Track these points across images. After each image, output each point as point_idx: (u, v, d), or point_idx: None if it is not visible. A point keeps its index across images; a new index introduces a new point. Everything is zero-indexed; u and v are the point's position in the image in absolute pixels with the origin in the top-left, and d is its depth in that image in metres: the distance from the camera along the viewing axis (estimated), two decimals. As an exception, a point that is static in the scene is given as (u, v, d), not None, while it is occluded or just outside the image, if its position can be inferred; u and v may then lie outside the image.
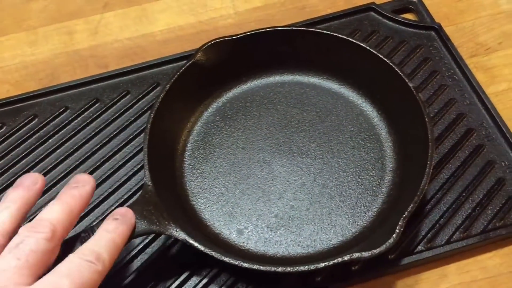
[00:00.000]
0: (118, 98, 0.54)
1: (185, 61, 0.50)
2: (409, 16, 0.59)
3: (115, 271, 0.44)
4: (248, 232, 0.45)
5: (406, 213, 0.40)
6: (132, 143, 0.51)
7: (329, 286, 0.43)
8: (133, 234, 0.40)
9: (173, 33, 0.60)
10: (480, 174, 0.48)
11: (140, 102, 0.54)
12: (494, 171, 0.48)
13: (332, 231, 0.45)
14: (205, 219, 0.46)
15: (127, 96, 0.54)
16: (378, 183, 0.47)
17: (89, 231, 0.39)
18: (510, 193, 0.47)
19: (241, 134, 0.51)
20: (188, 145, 0.50)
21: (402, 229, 0.39)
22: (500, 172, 0.48)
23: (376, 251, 0.38)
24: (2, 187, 0.49)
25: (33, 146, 0.51)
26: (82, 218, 0.47)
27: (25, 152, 0.51)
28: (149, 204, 0.42)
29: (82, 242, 0.38)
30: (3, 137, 0.52)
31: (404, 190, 0.45)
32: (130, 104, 0.54)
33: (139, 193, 0.46)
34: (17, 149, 0.51)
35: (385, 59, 0.49)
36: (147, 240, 0.46)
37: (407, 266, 0.44)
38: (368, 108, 0.51)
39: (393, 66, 0.48)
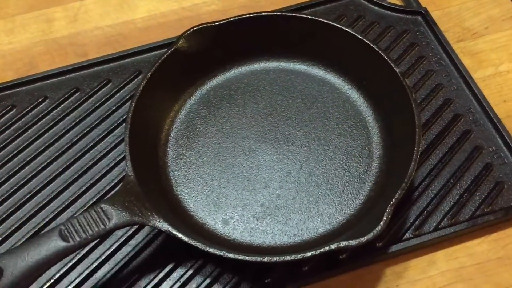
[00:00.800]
0: (98, 87, 0.53)
1: (167, 49, 0.49)
2: (396, 1, 0.58)
3: (98, 264, 0.43)
4: (234, 222, 0.45)
5: (394, 200, 0.39)
6: (113, 133, 0.50)
7: (316, 275, 0.43)
8: (116, 226, 0.38)
9: (155, 20, 0.59)
10: (468, 159, 0.47)
11: (121, 91, 0.52)
12: (481, 156, 0.47)
13: (319, 219, 0.44)
14: (190, 209, 0.45)
15: (108, 85, 0.53)
16: (365, 170, 0.46)
17: (69, 224, 0.38)
18: (498, 178, 0.46)
19: (225, 122, 0.50)
20: (172, 135, 0.49)
21: (389, 217, 0.39)
22: (488, 157, 0.47)
23: (364, 239, 0.38)
24: (-21, 180, 0.48)
25: (12, 137, 0.50)
26: (63, 210, 0.46)
27: (3, 144, 0.49)
28: (130, 194, 0.41)
29: (61, 235, 0.37)
30: (-20, 128, 0.50)
31: (391, 177, 0.45)
32: (111, 93, 0.52)
33: (121, 183, 0.45)
34: (-5, 140, 0.50)
35: (372, 45, 0.48)
36: (130, 232, 0.45)
37: (396, 253, 0.43)
38: (354, 95, 0.50)
39: (380, 51, 0.47)
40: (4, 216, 0.46)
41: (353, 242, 0.38)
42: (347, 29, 0.49)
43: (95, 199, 0.46)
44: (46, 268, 0.37)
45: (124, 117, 0.51)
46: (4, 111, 0.51)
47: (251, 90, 0.51)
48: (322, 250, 0.38)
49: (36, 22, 0.59)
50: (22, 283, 0.36)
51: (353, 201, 0.45)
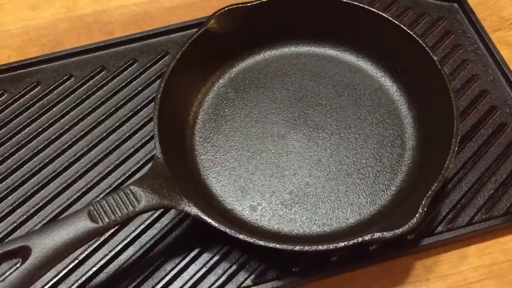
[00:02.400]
0: (124, 66, 0.52)
1: (196, 29, 0.48)
2: (431, -13, 0.56)
3: (123, 246, 0.43)
4: (262, 208, 0.44)
5: (430, 192, 0.38)
6: (140, 114, 0.49)
7: (345, 266, 0.42)
8: (145, 208, 0.38)
9: (182, -1, 0.57)
10: (504, 153, 0.46)
11: (148, 71, 0.51)
12: (518, 150, 0.46)
13: (349, 209, 0.43)
14: (217, 194, 0.44)
15: (134, 65, 0.52)
16: (397, 160, 0.45)
17: (98, 205, 0.37)
18: (534, 173, 0.45)
19: (254, 107, 0.49)
20: (199, 117, 0.48)
21: (425, 209, 0.38)
22: (524, 152, 0.46)
23: (399, 231, 0.37)
24: (4, 157, 0.47)
25: (36, 115, 0.49)
26: (88, 190, 0.45)
27: (28, 121, 0.49)
28: (159, 177, 0.40)
29: (90, 216, 0.36)
30: (5, 105, 0.49)
31: (425, 168, 0.43)
32: (137, 73, 0.51)
33: (149, 165, 0.44)
34: (20, 117, 0.49)
35: (408, 31, 0.46)
36: (156, 215, 0.44)
37: (427, 247, 0.42)
38: (387, 82, 0.49)
39: (417, 38, 0.46)
40: (28, 194, 0.45)
41: (387, 234, 0.37)
42: (381, 13, 0.48)
43: (120, 180, 0.46)
44: (74, 249, 0.36)
45: (150, 97, 0.50)
46: (28, 88, 0.50)
47: (281, 75, 0.50)
48: (355, 240, 0.37)
49: (61, -2, 0.57)
50: (49, 262, 0.35)
51: (384, 192, 0.44)
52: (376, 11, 0.48)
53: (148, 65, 0.52)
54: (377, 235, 0.37)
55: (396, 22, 0.47)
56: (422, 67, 0.46)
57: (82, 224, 0.36)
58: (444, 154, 0.41)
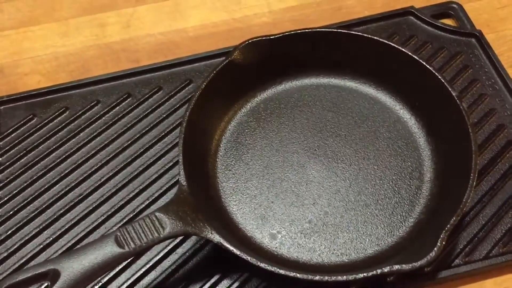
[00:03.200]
0: (150, 93, 0.53)
1: (219, 60, 0.50)
2: (449, 21, 0.58)
3: (145, 270, 0.44)
4: (281, 237, 0.45)
5: (448, 226, 0.39)
6: (163, 140, 0.51)
7: (362, 296, 0.42)
8: (170, 235, 0.39)
9: (206, 29, 0.59)
10: (521, 188, 0.46)
11: (172, 99, 0.53)
12: (535, 185, 0.47)
13: (368, 240, 0.44)
14: (238, 221, 0.45)
15: (159, 92, 0.53)
16: (415, 192, 0.46)
17: (124, 230, 0.38)
18: (551, 208, 0.45)
19: (274, 136, 0.50)
20: (221, 145, 0.49)
21: (443, 243, 0.38)
22: (541, 186, 0.46)
23: (417, 264, 0.37)
24: (32, 179, 0.48)
25: (64, 139, 0.51)
26: (112, 214, 0.46)
27: (56, 145, 0.50)
28: (184, 204, 0.41)
29: (117, 241, 0.38)
30: (34, 129, 0.51)
31: (443, 201, 0.44)
32: (162, 101, 0.53)
33: (172, 191, 0.45)
34: (48, 141, 0.51)
35: (427, 65, 0.47)
36: (177, 240, 0.45)
37: (444, 279, 0.43)
38: (406, 115, 0.50)
39: (436, 73, 0.47)
40: (55, 217, 0.46)
41: (406, 267, 0.37)
42: (401, 48, 0.49)
43: (144, 205, 0.47)
44: (101, 273, 0.38)
45: (174, 125, 0.51)
46: (57, 113, 0.52)
47: (301, 105, 0.51)
48: (374, 272, 0.38)
49: (89, 26, 0.60)
50: (77, 286, 0.36)
51: (402, 223, 0.45)
52: (394, 45, 0.49)
53: (172, 93, 0.53)
54: (395, 267, 0.38)
55: (414, 56, 0.48)
56: (441, 101, 0.47)
57: (109, 249, 0.37)
58: (462, 187, 0.41)
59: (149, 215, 0.39)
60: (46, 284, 0.36)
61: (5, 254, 0.45)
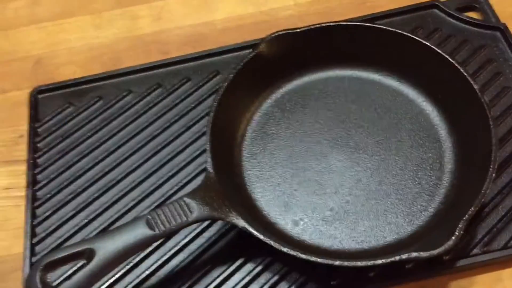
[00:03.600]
0: (179, 84, 0.55)
1: (246, 52, 0.51)
2: (474, 14, 0.58)
3: (173, 252, 0.46)
4: (304, 223, 0.46)
5: (467, 216, 0.40)
6: (191, 129, 0.53)
7: (381, 282, 0.44)
8: (197, 219, 0.41)
9: (233, 22, 0.61)
10: (541, 180, 0.47)
11: (200, 90, 0.55)
12: (556, 178, 0.47)
13: (387, 228, 0.45)
14: (262, 208, 0.47)
15: (188, 83, 0.55)
16: (436, 183, 0.47)
17: (155, 214, 0.40)
18: None
19: (298, 126, 0.51)
20: (247, 135, 0.51)
21: (462, 232, 0.39)
22: (562, 179, 0.47)
23: (435, 252, 0.39)
24: (68, 165, 0.51)
25: (98, 128, 0.53)
26: (143, 199, 0.49)
27: (90, 133, 0.53)
28: (211, 190, 0.43)
29: (148, 223, 0.40)
30: (70, 117, 0.54)
31: (463, 192, 0.45)
32: (191, 91, 0.55)
33: (199, 178, 0.47)
34: (83, 129, 0.53)
35: (450, 59, 0.48)
36: (204, 225, 0.47)
37: (462, 268, 0.44)
38: (428, 107, 0.51)
39: (458, 66, 0.48)
40: (90, 200, 0.49)
41: (424, 254, 0.39)
42: (424, 41, 0.50)
43: (172, 191, 0.49)
44: (132, 253, 0.40)
45: (202, 114, 0.53)
46: (91, 102, 0.55)
47: (325, 97, 0.53)
48: (393, 258, 0.39)
49: (122, 18, 0.62)
50: (110, 265, 0.39)
51: (422, 213, 0.46)
52: (418, 39, 0.50)
53: (201, 83, 0.55)
54: (414, 254, 0.39)
55: (437, 50, 0.49)
56: (463, 94, 0.47)
57: (141, 231, 0.40)
58: (482, 179, 0.42)
59: (178, 200, 0.42)
60: (82, 262, 0.38)
61: (43, 235, 0.48)
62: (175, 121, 0.53)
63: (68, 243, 0.47)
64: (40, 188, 0.50)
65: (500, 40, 0.55)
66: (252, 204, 0.47)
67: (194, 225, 0.46)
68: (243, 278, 0.45)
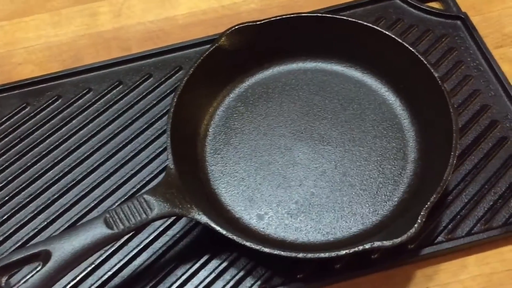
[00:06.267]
0: (140, 81, 0.54)
1: (208, 46, 0.50)
2: (435, 4, 0.58)
3: (137, 252, 0.45)
4: (268, 217, 0.46)
5: (429, 203, 0.40)
6: (154, 126, 0.52)
7: (347, 273, 0.44)
8: (157, 216, 0.40)
9: (196, 17, 0.60)
10: (503, 166, 0.47)
11: (162, 86, 0.54)
12: (517, 163, 0.47)
13: (352, 219, 0.45)
14: (226, 203, 0.47)
15: (150, 79, 0.54)
16: (399, 172, 0.47)
17: (113, 212, 0.39)
18: (533, 186, 0.46)
19: (262, 120, 0.51)
20: (210, 130, 0.50)
21: (424, 220, 0.39)
22: (524, 165, 0.47)
23: (398, 240, 0.38)
24: (26, 166, 0.50)
25: (57, 127, 0.52)
26: (105, 199, 0.48)
27: (49, 132, 0.51)
28: (171, 187, 0.42)
29: (106, 222, 0.39)
30: (28, 117, 0.52)
31: (426, 180, 0.45)
32: (152, 88, 0.54)
33: (162, 175, 0.46)
34: (41, 128, 0.52)
35: (411, 48, 0.48)
36: (168, 223, 0.46)
37: (427, 256, 0.44)
38: (391, 97, 0.51)
39: (419, 55, 0.48)
40: (48, 202, 0.48)
41: (387, 243, 0.38)
42: (386, 32, 0.50)
43: (135, 189, 0.48)
44: (91, 253, 0.39)
45: (164, 111, 0.52)
46: (50, 101, 0.53)
47: (288, 89, 0.52)
48: (356, 249, 0.39)
49: (81, 15, 0.61)
50: (68, 266, 0.38)
51: (386, 202, 0.46)
52: (380, 29, 0.50)
53: (162, 79, 0.54)
54: (377, 243, 0.39)
55: (398, 39, 0.49)
56: (424, 83, 0.47)
57: (99, 230, 0.39)
58: (444, 166, 0.42)
59: (137, 197, 0.41)
60: (38, 264, 0.37)
61: (1, 238, 0.46)
62: (137, 119, 0.52)
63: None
64: (-2, 191, 0.49)
65: (461, 29, 0.55)
66: (216, 200, 0.47)
67: (158, 223, 0.46)
68: (208, 275, 0.44)
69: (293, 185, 0.47)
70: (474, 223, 0.45)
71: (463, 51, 0.54)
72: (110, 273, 0.44)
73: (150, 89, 0.54)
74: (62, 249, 0.37)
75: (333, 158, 0.48)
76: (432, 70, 0.47)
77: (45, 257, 0.37)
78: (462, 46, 0.54)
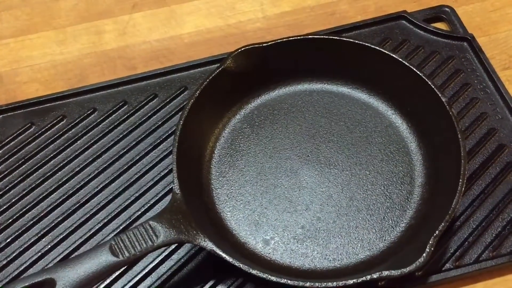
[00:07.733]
0: (145, 101, 0.54)
1: (214, 66, 0.50)
2: (441, 25, 0.58)
3: (141, 276, 0.45)
4: (274, 242, 0.45)
5: (437, 232, 0.40)
6: (159, 147, 0.51)
7: (354, 300, 0.43)
8: (163, 243, 0.40)
9: (201, 36, 0.60)
10: (511, 191, 0.47)
11: (167, 106, 0.54)
12: (525, 189, 0.47)
13: (359, 245, 0.45)
14: (231, 227, 0.46)
15: (155, 100, 0.54)
16: (406, 197, 0.47)
17: (118, 239, 0.39)
18: (541, 212, 0.46)
19: (268, 142, 0.50)
20: (215, 152, 0.50)
21: (432, 249, 0.39)
22: (532, 190, 0.47)
23: (406, 269, 0.38)
24: (31, 188, 0.49)
25: (62, 147, 0.51)
26: (109, 221, 0.47)
27: (54, 153, 0.51)
28: (177, 212, 0.42)
29: (111, 250, 0.38)
30: (32, 137, 0.52)
31: (434, 206, 0.45)
32: (157, 108, 0.54)
33: (167, 198, 0.46)
34: (46, 149, 0.52)
35: (417, 71, 0.48)
36: (172, 247, 0.46)
37: (435, 283, 0.44)
38: (397, 120, 0.51)
39: (426, 78, 0.47)
40: (53, 224, 0.47)
41: (395, 272, 0.38)
42: (392, 54, 0.49)
43: (139, 212, 0.48)
44: (96, 281, 0.39)
45: (170, 132, 0.52)
46: (55, 121, 0.53)
47: (294, 111, 0.52)
48: (364, 278, 0.39)
49: (87, 33, 0.60)
50: (73, 294, 0.37)
51: (393, 228, 0.45)
52: (385, 51, 0.49)
53: (167, 100, 0.54)
54: (385, 273, 0.38)
55: (405, 62, 0.49)
56: (431, 106, 0.47)
57: (104, 258, 0.38)
58: (452, 193, 0.42)
59: (143, 224, 0.40)
60: (43, 293, 0.37)
61: (4, 262, 0.46)
62: (142, 140, 0.52)
63: (30, 271, 0.45)
64: (1, 213, 0.48)
65: (468, 51, 0.55)
66: (222, 224, 0.46)
67: (163, 248, 0.45)
68: (213, 301, 0.44)
69: (299, 209, 0.47)
70: (482, 250, 0.45)
71: (470, 73, 0.54)
72: (114, 298, 0.44)
73: (155, 110, 0.53)
74: (67, 278, 0.37)
75: (339, 181, 0.48)
76: (440, 95, 0.46)
77: (49, 285, 0.37)
78: (468, 67, 0.54)
